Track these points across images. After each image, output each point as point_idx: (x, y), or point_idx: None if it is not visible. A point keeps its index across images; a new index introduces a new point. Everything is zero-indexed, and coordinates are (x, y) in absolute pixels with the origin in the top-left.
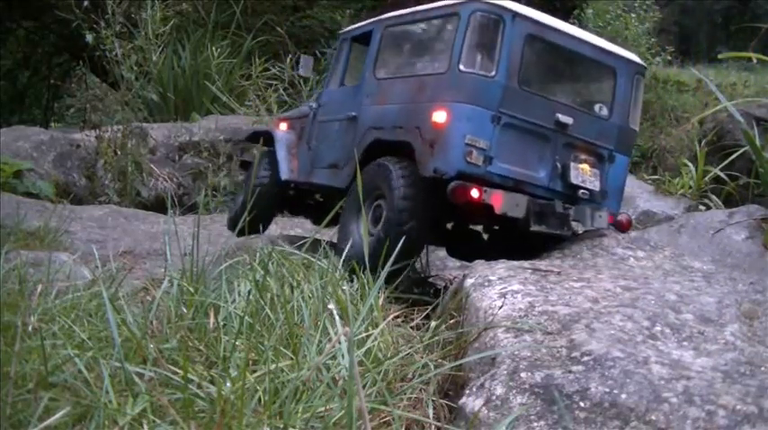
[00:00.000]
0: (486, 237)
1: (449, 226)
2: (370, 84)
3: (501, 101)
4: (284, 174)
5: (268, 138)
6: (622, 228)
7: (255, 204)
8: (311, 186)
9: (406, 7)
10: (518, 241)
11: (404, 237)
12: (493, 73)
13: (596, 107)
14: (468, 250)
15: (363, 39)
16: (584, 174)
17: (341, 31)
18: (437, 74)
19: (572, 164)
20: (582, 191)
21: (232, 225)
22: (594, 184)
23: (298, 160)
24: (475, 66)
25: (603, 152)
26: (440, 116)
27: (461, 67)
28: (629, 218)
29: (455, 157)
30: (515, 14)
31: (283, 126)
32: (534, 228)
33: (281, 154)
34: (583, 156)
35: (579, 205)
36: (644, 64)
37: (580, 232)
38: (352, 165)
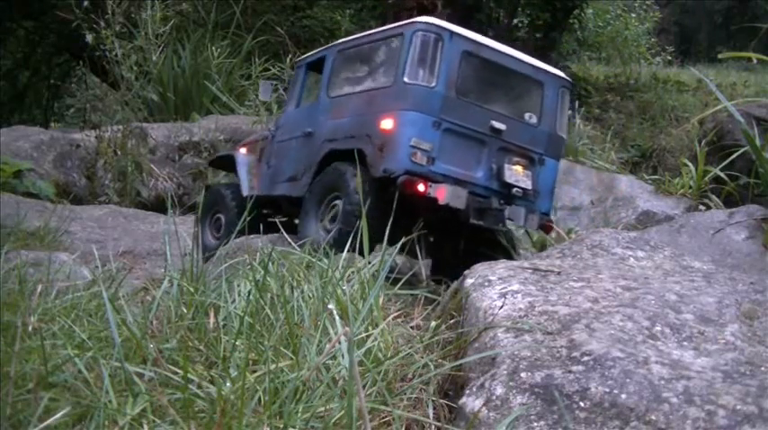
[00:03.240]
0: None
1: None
2: (324, 102)
3: (441, 108)
4: (245, 191)
5: (231, 162)
6: (546, 230)
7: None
8: (271, 199)
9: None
10: (476, 247)
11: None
12: (433, 84)
13: (526, 116)
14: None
15: (318, 64)
16: (517, 174)
17: (297, 59)
18: (384, 87)
19: (506, 165)
20: (516, 189)
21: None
22: (527, 184)
23: (258, 178)
24: (418, 78)
25: (534, 156)
26: (387, 123)
27: (406, 79)
28: (552, 222)
29: (402, 158)
30: (453, 33)
31: (243, 150)
32: (473, 221)
33: (242, 174)
34: (516, 159)
35: (515, 205)
36: (569, 79)
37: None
38: (309, 176)
